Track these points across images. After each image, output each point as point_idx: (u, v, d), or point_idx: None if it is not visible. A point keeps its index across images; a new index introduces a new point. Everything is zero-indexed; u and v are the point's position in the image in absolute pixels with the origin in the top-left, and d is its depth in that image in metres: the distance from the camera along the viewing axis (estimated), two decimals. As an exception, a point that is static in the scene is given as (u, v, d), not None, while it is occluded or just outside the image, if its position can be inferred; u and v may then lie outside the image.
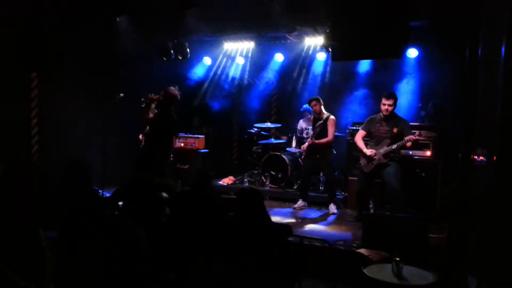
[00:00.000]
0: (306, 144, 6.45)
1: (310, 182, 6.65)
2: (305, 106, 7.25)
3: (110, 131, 6.94)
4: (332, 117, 6.22)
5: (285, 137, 7.86)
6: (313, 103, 6.26)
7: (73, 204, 3.28)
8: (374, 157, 5.37)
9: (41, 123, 6.98)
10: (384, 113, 5.36)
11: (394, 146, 5.26)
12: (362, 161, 5.55)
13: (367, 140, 5.64)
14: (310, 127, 7.07)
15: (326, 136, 6.20)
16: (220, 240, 2.94)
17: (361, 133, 5.66)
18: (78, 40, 6.54)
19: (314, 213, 6.23)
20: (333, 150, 6.88)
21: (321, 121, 6.24)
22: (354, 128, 6.42)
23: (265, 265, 2.87)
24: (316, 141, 6.22)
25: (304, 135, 7.14)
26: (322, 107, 6.29)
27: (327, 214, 6.16)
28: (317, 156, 6.29)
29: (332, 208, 6.21)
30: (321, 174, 6.82)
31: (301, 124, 7.34)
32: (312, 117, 6.64)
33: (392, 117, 5.40)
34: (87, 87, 7.17)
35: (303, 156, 6.68)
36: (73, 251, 2.26)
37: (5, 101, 6.35)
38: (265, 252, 2.90)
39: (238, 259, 2.84)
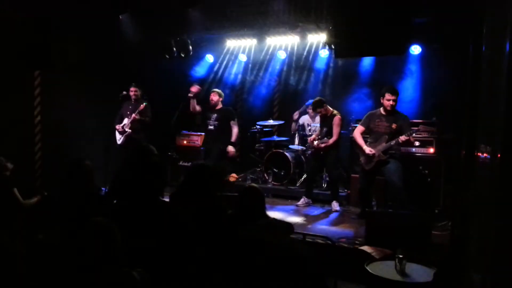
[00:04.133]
0: (312, 138, 6.44)
1: (314, 180, 6.63)
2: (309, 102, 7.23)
3: (112, 128, 6.97)
4: (338, 116, 6.17)
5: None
6: (318, 110, 6.23)
7: (75, 202, 3.28)
8: (374, 154, 5.36)
9: (44, 121, 7.00)
10: (388, 108, 5.35)
11: (393, 143, 5.26)
12: (363, 159, 5.54)
13: (366, 137, 5.63)
14: (314, 124, 7.07)
15: (332, 135, 6.16)
16: (220, 238, 2.93)
17: (359, 129, 5.65)
18: (80, 38, 6.55)
19: (317, 210, 6.23)
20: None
21: (327, 120, 6.22)
22: (356, 125, 6.40)
23: (267, 263, 2.86)
24: (322, 145, 6.16)
25: (307, 132, 7.13)
26: (328, 106, 6.26)
27: (330, 212, 6.15)
28: (321, 153, 6.28)
29: (335, 205, 6.21)
30: (325, 171, 6.82)
31: (304, 120, 7.33)
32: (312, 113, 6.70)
33: (392, 112, 5.39)
34: (90, 84, 7.18)
35: (308, 153, 6.67)
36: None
37: (8, 99, 6.37)
38: (265, 249, 2.89)
39: (238, 256, 2.84)
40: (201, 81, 8.86)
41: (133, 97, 6.88)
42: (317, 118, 6.76)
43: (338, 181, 6.49)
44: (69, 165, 3.48)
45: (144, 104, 6.78)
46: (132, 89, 6.86)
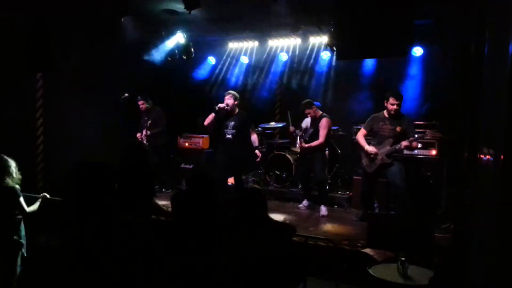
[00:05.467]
0: (298, 145, 6.38)
1: (309, 181, 6.53)
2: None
3: (114, 131, 6.98)
4: (325, 118, 6.04)
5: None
6: (307, 111, 6.11)
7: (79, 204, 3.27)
8: (377, 156, 5.35)
9: (46, 123, 7.01)
10: (392, 112, 5.34)
11: (398, 147, 5.24)
12: (365, 161, 5.52)
13: (369, 139, 5.62)
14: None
15: (318, 138, 6.02)
16: (222, 239, 2.92)
17: (362, 132, 5.63)
18: (82, 40, 6.57)
19: (318, 213, 6.21)
20: (338, 151, 6.85)
21: (315, 123, 6.12)
22: (359, 127, 6.38)
23: (268, 265, 2.86)
24: (306, 145, 6.05)
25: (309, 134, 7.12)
26: (317, 109, 6.15)
27: (331, 213, 6.12)
28: (308, 156, 6.18)
29: (323, 210, 6.02)
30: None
31: (307, 123, 7.31)
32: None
33: (397, 116, 5.38)
34: (92, 86, 7.19)
35: (297, 156, 6.64)
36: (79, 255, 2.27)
37: (10, 102, 6.38)
38: (268, 252, 2.89)
39: (241, 259, 2.84)
40: (203, 83, 8.89)
41: (142, 109, 7.13)
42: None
43: (326, 185, 6.34)
44: (74, 167, 3.46)
45: (154, 116, 7.09)
46: (139, 102, 7.12)
